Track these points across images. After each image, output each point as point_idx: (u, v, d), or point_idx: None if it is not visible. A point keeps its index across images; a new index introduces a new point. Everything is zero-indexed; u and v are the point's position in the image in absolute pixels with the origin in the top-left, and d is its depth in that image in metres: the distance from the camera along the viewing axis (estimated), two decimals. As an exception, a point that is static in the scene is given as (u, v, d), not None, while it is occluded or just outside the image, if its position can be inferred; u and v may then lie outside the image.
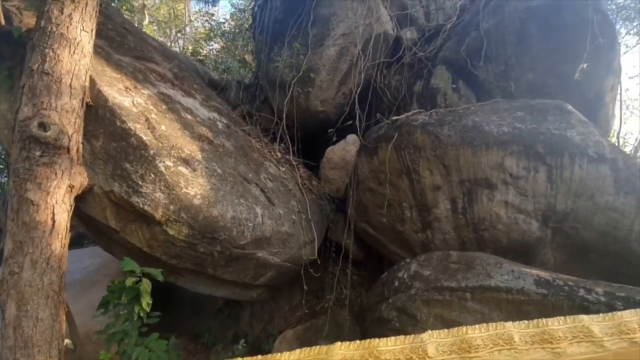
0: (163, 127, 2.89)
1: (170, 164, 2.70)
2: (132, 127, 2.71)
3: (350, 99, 5.36)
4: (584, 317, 1.64)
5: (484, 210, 3.29)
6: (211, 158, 3.09)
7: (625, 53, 16.82)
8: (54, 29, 2.54)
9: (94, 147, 2.68)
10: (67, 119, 2.45)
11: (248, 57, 10.07)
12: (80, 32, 2.59)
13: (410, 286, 3.51)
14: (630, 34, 15.75)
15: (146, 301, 2.69)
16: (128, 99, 2.96)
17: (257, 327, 5.43)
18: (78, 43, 2.56)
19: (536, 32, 3.76)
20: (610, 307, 2.32)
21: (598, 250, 3.12)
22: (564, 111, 3.06)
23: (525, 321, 1.63)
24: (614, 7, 14.96)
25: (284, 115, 5.29)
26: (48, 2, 2.60)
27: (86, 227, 3.17)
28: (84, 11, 2.64)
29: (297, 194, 4.09)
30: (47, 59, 2.49)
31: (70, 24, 2.56)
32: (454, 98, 4.72)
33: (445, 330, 1.57)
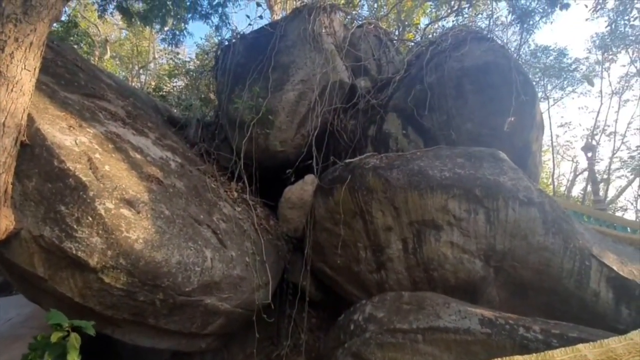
0: (107, 167, 2.77)
1: (111, 206, 2.55)
2: (71, 167, 2.56)
3: (309, 140, 5.52)
4: (519, 357, 1.72)
5: (432, 250, 3.42)
6: (159, 199, 2.98)
7: (552, 105, 19.22)
8: (-7, 66, 2.43)
9: (26, 187, 2.48)
10: (-4, 158, 2.28)
11: (210, 96, 10.18)
12: (21, 70, 2.49)
13: (365, 329, 3.47)
14: (556, 89, 18.12)
15: (73, 358, 2.40)
16: (70, 137, 2.82)
17: (208, 380, 4.98)
18: (17, 81, 2.45)
19: (471, 89, 4.22)
20: (546, 345, 2.44)
21: (535, 287, 3.32)
22: (497, 158, 3.39)
23: (465, 365, 1.67)
24: (542, 65, 17.30)
25: (242, 154, 5.30)
26: (-11, 39, 2.51)
27: (9, 275, 2.84)
28: (28, 50, 2.57)
29: (252, 235, 4.00)
30: (-18, 96, 2.35)
31: (11, 63, 2.47)
32: (404, 142, 5.04)
33: None
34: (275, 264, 4.27)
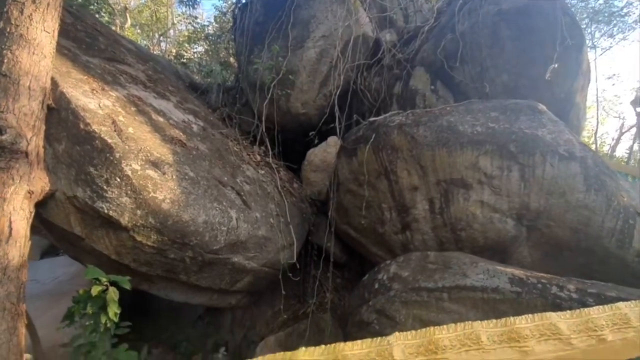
0: (131, 129, 2.79)
1: (137, 167, 2.60)
2: (96, 130, 2.60)
3: (331, 100, 5.34)
4: (552, 314, 1.64)
5: (461, 210, 3.30)
6: (183, 161, 3.01)
7: (600, 55, 17.41)
8: (13, 30, 2.43)
9: (57, 150, 2.56)
10: (25, 122, 2.34)
11: (231, 60, 10.01)
12: (40, 32, 2.48)
13: (390, 288, 3.48)
14: (605, 37, 16.34)
15: (113, 311, 2.58)
16: (94, 101, 2.85)
17: (239, 334, 5.32)
18: (38, 44, 2.45)
19: (508, 35, 3.82)
20: (582, 304, 2.34)
21: (571, 247, 3.16)
22: (536, 111, 3.11)
23: (493, 320, 1.61)
24: (590, 10, 15.52)
25: (264, 118, 5.23)
26: (7, 2, 2.50)
27: (51, 235, 3.04)
28: (45, 12, 2.54)
29: (275, 197, 4.03)
30: (5, 61, 2.38)
31: (30, 25, 2.46)
32: (433, 99, 4.76)
33: (413, 331, 1.53)
34: (299, 226, 4.32)
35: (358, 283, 4.40)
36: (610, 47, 16.82)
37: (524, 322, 1.58)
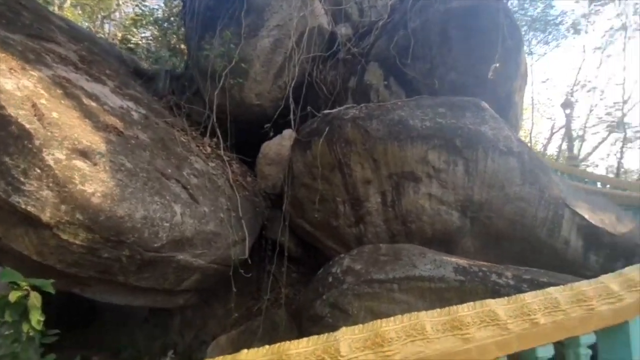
0: (55, 114, 2.47)
1: (61, 156, 2.30)
2: (12, 114, 2.26)
3: (287, 92, 5.22)
4: (491, 301, 1.71)
5: (411, 202, 3.38)
6: (119, 151, 2.73)
7: (536, 61, 19.02)
8: None
9: (-39, 137, 2.19)
10: None
11: (181, 46, 9.44)
12: None
13: (343, 281, 3.50)
14: (540, 44, 17.85)
15: (36, 318, 2.28)
16: (11, 81, 2.48)
17: (189, 335, 5.06)
18: None
19: (456, 34, 3.97)
20: (517, 290, 2.50)
21: (509, 236, 3.38)
22: (480, 108, 3.27)
23: (437, 309, 1.64)
24: (528, 18, 16.84)
25: (215, 108, 4.98)
26: None
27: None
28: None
29: (227, 191, 3.85)
30: None
31: None
32: (386, 94, 4.83)
33: (360, 325, 1.51)
34: (252, 220, 4.18)
35: (313, 278, 4.38)
36: (545, 53, 18.52)
37: (466, 310, 1.63)
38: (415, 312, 1.58)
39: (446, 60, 4.10)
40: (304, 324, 4.12)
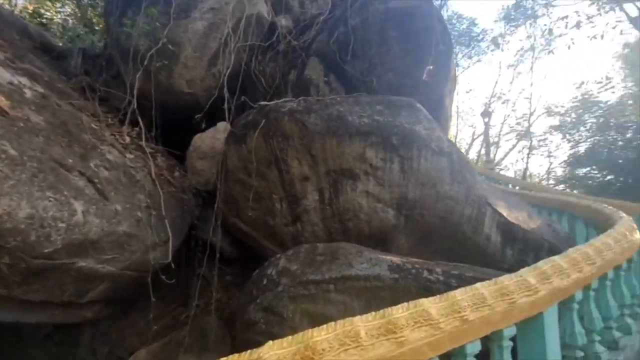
0: None
1: None
2: None
3: (222, 81, 4.86)
4: (424, 300, 1.67)
5: (348, 200, 3.33)
6: (1, 135, 2.20)
7: (461, 73, 20.89)
8: None
9: None
10: None
11: (101, 23, 8.39)
12: None
13: (278, 283, 3.32)
14: (465, 58, 19.58)
15: None
16: None
17: (102, 351, 4.44)
18: None
19: (395, 35, 4.04)
20: (447, 285, 2.56)
21: (439, 233, 3.51)
22: (415, 108, 3.34)
23: (372, 313, 1.55)
24: (455, 33, 18.35)
25: (136, 91, 4.42)
26: None
27: None
28: None
29: (147, 187, 3.40)
30: None
31: None
32: (326, 90, 4.75)
33: (289, 337, 1.35)
34: (178, 220, 3.78)
35: (248, 280, 4.13)
36: (469, 66, 20.41)
37: (400, 312, 1.56)
38: (350, 318, 1.47)
39: (384, 60, 4.14)
40: (236, 330, 3.85)
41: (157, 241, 3.10)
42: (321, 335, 1.38)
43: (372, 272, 2.74)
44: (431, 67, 3.63)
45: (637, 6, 9.64)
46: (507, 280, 1.96)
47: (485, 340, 1.83)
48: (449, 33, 4.16)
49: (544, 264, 2.15)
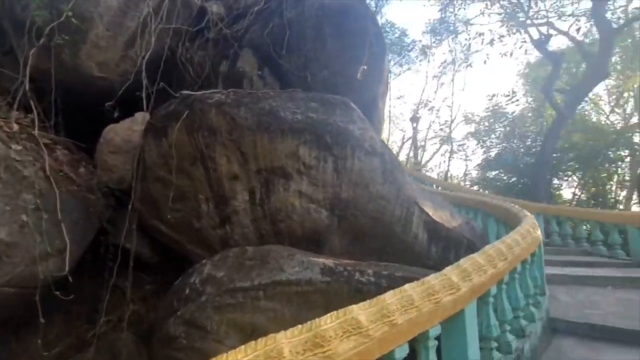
0: None
1: None
2: None
3: (139, 65, 4.32)
4: (353, 308, 1.59)
5: (281, 200, 3.17)
6: None
7: (393, 79, 22.11)
8: None
9: None
10: None
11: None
12: None
13: (202, 292, 3.02)
14: (397, 65, 20.73)
15: None
16: None
17: (-11, 382, 3.67)
18: None
19: (330, 31, 3.99)
20: (378, 286, 2.55)
21: (371, 233, 3.54)
22: (349, 107, 3.31)
23: (299, 326, 1.42)
24: (388, 41, 19.31)
25: (29, 71, 3.71)
26: None
27: None
28: None
29: (38, 184, 2.83)
30: None
31: None
32: (260, 85, 4.52)
33: None
34: (81, 223, 3.23)
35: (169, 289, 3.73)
36: (400, 74, 21.69)
37: (328, 322, 1.45)
38: (272, 335, 1.31)
39: (320, 56, 4.06)
40: (154, 347, 3.44)
41: (49, 250, 2.58)
42: (238, 357, 1.20)
43: (304, 276, 2.62)
44: (365, 67, 3.65)
45: (538, 30, 11.19)
46: (433, 279, 1.98)
47: (412, 342, 1.82)
48: (382, 36, 4.25)
49: (465, 262, 2.23)
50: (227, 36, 4.76)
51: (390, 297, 1.73)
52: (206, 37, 4.90)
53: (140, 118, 4.38)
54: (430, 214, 3.79)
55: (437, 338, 1.94)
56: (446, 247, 3.96)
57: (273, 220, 3.28)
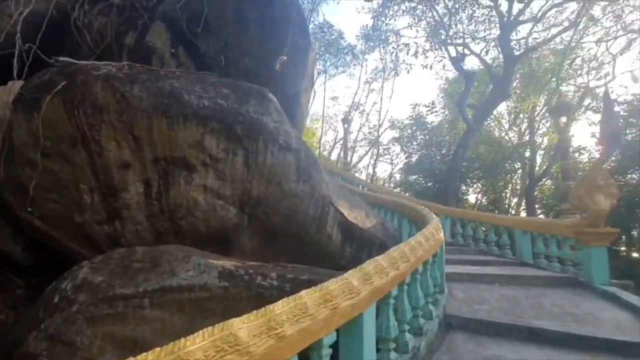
0: None
1: None
2: None
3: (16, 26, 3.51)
4: (234, 321, 1.39)
5: (182, 195, 2.81)
6: None
7: (328, 80, 22.41)
8: None
9: None
10: None
11: None
12: None
13: (73, 301, 2.52)
14: (333, 67, 21.06)
15: None
16: None
17: None
18: None
19: (252, 17, 3.72)
20: (280, 290, 2.39)
21: (284, 233, 3.37)
22: (265, 98, 3.08)
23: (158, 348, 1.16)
24: (325, 41, 19.47)
25: None
26: None
27: None
28: None
29: None
30: None
31: None
32: (172, 64, 4.03)
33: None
34: None
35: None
36: (335, 75, 22.09)
37: (198, 341, 1.22)
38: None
39: (241, 42, 3.76)
40: (12, 367, 2.82)
41: None
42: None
43: (199, 281, 2.33)
44: (285, 58, 3.46)
45: (456, 49, 12.30)
46: (332, 284, 1.87)
47: (304, 352, 1.69)
48: (307, 28, 4.11)
49: (368, 265, 2.19)
50: (135, 4, 4.15)
51: (280, 307, 1.56)
52: (110, 1, 4.22)
53: (12, 87, 3.57)
54: (346, 214, 3.77)
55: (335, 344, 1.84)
56: (360, 247, 3.99)
57: (172, 217, 2.91)
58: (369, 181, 18.23)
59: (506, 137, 16.22)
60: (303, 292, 1.72)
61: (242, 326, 1.37)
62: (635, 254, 10.06)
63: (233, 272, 2.39)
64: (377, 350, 2.30)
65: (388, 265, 2.33)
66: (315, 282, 1.98)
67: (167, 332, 2.38)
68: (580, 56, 13.03)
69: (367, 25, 17.78)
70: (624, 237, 9.83)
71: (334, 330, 1.81)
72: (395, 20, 14.48)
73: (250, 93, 2.97)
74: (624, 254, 10.06)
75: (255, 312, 1.46)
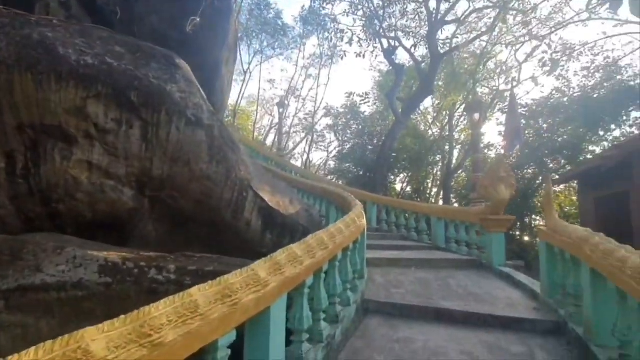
0: None
1: None
2: None
3: None
4: (88, 331, 1.08)
5: (58, 172, 2.29)
6: None
7: (265, 61, 21.51)
8: None
9: None
10: None
11: None
12: None
13: None
14: (270, 48, 20.22)
15: None
16: None
17: None
18: None
19: (163, -32, 3.19)
20: (179, 285, 2.09)
21: (196, 219, 3.03)
22: (172, 63, 2.65)
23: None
24: (262, 20, 18.51)
25: None
26: None
27: None
28: None
29: None
30: None
31: None
32: (61, 14, 3.30)
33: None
34: None
35: None
36: (272, 57, 21.33)
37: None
38: None
39: (148, -3, 3.21)
40: None
41: None
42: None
43: (72, 278, 1.91)
44: (199, 19, 3.04)
45: (389, 42, 12.66)
46: (234, 277, 1.64)
47: (195, 356, 1.45)
48: (229, -8, 3.70)
49: (280, 254, 2.00)
50: None
51: (160, 309, 1.28)
52: None
53: None
54: (267, 199, 3.54)
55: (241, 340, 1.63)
56: (282, 234, 3.81)
57: (46, 200, 2.37)
58: (303, 168, 18.17)
59: (430, 131, 17.42)
60: (195, 289, 1.46)
61: (99, 337, 1.08)
62: (526, 238, 11.68)
63: (119, 265, 2.01)
64: (291, 342, 2.16)
65: (303, 254, 2.17)
66: (222, 273, 1.73)
67: (30, 340, 1.92)
68: (493, 58, 14.45)
69: (304, 6, 17.33)
70: (518, 223, 11.34)
71: (233, 330, 1.60)
72: (333, 5, 14.31)
73: (153, 55, 2.52)
74: (518, 238, 11.61)
75: (123, 317, 1.17)
